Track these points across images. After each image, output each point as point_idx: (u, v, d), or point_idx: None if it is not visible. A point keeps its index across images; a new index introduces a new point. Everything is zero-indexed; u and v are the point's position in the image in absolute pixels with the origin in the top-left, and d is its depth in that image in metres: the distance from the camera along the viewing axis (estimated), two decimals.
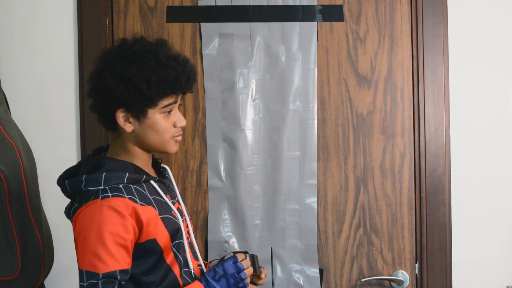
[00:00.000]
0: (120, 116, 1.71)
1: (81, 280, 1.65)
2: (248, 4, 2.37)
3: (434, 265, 2.35)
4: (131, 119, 1.71)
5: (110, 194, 1.68)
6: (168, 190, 1.83)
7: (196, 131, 2.38)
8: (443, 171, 2.35)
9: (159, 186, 1.79)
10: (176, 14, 2.39)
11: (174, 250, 1.75)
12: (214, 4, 2.37)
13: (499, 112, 2.38)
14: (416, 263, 2.38)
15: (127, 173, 1.72)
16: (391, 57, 2.39)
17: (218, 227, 2.37)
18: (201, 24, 2.38)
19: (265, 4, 2.37)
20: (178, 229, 1.76)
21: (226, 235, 2.38)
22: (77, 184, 1.73)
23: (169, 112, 1.73)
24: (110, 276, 1.64)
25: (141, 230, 1.70)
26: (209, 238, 2.36)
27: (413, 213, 2.38)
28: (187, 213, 1.89)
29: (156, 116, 1.72)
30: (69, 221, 2.36)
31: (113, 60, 1.69)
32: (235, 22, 2.37)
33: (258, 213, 2.38)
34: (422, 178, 2.36)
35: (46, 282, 2.29)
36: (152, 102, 1.69)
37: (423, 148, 2.36)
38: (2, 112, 2.16)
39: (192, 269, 1.78)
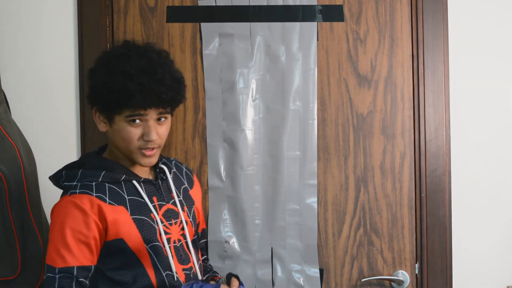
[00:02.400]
0: (96, 115, 1.77)
1: (43, 273, 1.73)
2: (248, 4, 2.37)
3: (434, 265, 2.35)
4: (104, 120, 1.75)
5: (77, 191, 1.72)
6: (159, 191, 1.82)
7: (196, 131, 2.38)
8: (443, 171, 2.35)
9: (145, 187, 1.79)
10: (176, 14, 2.39)
11: (150, 252, 1.74)
12: (214, 4, 2.37)
13: (499, 112, 2.38)
14: (416, 263, 2.38)
15: (104, 171, 1.74)
16: (391, 57, 2.39)
17: (218, 227, 2.37)
18: (201, 24, 2.38)
19: (265, 4, 2.37)
20: (154, 232, 1.75)
21: (226, 235, 2.38)
22: (58, 179, 1.79)
23: (137, 122, 1.71)
24: (66, 272, 1.67)
25: (106, 228, 1.71)
26: (209, 238, 2.36)
27: (413, 213, 2.38)
28: (191, 217, 1.87)
29: (121, 123, 1.72)
30: None
31: (97, 59, 1.77)
32: (235, 22, 2.37)
33: (258, 213, 2.38)
34: (422, 178, 2.36)
35: None
36: (112, 109, 1.70)
37: (423, 148, 2.36)
38: (2, 112, 2.16)
39: (174, 273, 1.76)
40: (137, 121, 1.71)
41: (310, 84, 2.38)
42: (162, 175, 1.86)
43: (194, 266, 1.83)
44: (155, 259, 1.74)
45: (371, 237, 2.38)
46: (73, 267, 1.67)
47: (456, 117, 2.37)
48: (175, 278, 1.76)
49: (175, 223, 1.81)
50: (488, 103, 2.38)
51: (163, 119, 1.75)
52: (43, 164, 2.30)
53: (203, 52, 2.37)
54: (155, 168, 1.87)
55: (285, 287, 2.37)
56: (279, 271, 2.37)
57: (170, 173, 1.89)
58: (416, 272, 2.37)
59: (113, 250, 1.72)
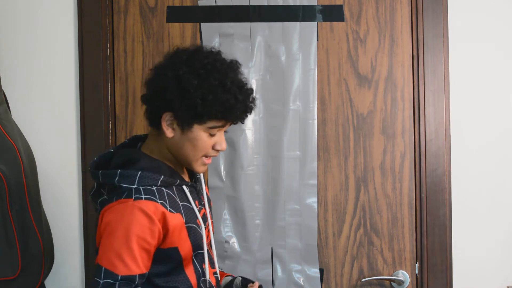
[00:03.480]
0: (166, 119, 1.69)
1: (97, 275, 1.63)
2: (248, 4, 2.37)
3: (435, 265, 2.35)
4: (175, 126, 1.69)
5: (143, 196, 1.66)
6: (198, 195, 1.81)
7: None
8: (444, 171, 2.35)
9: (189, 191, 1.77)
10: (176, 14, 2.39)
11: (194, 260, 1.74)
12: (214, 4, 2.37)
13: (499, 112, 2.38)
14: (416, 263, 2.38)
15: (162, 176, 1.70)
16: (392, 57, 2.39)
17: (218, 227, 2.37)
18: (202, 24, 2.38)
19: (266, 4, 2.37)
20: (201, 239, 1.74)
21: (227, 235, 2.38)
22: (110, 177, 1.70)
23: (216, 133, 1.71)
24: (128, 279, 1.62)
25: (166, 236, 1.68)
26: None
27: (414, 213, 2.38)
28: (211, 218, 1.87)
29: (200, 132, 1.69)
30: (69, 221, 2.37)
31: (181, 63, 1.67)
32: (235, 22, 2.37)
33: (258, 213, 2.38)
34: (422, 178, 2.36)
35: (46, 282, 2.29)
36: (200, 119, 1.67)
37: (423, 148, 2.36)
38: (2, 112, 2.16)
39: (208, 278, 1.76)
40: (216, 133, 1.71)
41: (310, 84, 2.38)
42: (197, 177, 1.85)
43: (217, 269, 1.84)
44: (197, 266, 1.74)
45: (371, 237, 2.38)
46: (135, 276, 1.63)
47: (456, 117, 2.37)
48: (207, 283, 1.75)
49: (206, 226, 1.80)
50: (488, 103, 2.38)
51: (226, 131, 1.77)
52: (43, 164, 2.30)
53: None
54: (188, 171, 1.84)
55: (285, 287, 2.37)
56: (279, 271, 2.37)
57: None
58: (416, 272, 2.37)
59: (163, 257, 1.70)
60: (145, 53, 2.38)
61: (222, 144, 1.72)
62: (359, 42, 2.39)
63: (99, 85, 2.35)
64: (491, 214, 2.38)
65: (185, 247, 1.71)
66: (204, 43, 2.37)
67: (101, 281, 1.61)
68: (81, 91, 2.35)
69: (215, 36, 2.38)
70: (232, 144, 2.37)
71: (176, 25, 2.39)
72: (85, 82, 2.35)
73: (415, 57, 2.37)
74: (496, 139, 2.38)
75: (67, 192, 2.34)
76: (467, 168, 2.38)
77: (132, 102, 2.38)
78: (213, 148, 1.72)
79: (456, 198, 2.37)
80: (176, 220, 1.68)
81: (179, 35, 2.39)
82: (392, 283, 2.39)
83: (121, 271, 1.61)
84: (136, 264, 1.62)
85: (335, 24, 2.39)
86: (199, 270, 1.74)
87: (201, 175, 1.86)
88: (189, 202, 1.74)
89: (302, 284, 2.36)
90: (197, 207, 1.76)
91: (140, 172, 1.68)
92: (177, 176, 1.75)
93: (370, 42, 2.39)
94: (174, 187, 1.73)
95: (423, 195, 2.36)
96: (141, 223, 1.63)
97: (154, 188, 1.68)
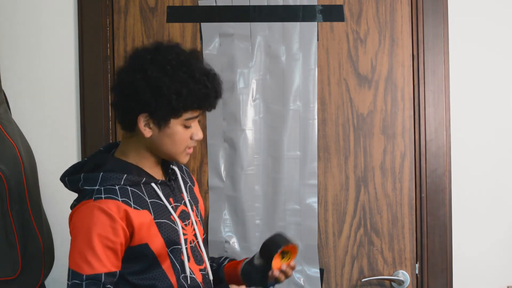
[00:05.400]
0: (142, 120, 1.70)
1: (68, 278, 1.68)
2: (248, 4, 2.37)
3: (435, 265, 2.35)
4: (151, 125, 1.71)
5: (103, 196, 1.68)
6: (173, 192, 1.81)
7: None
8: (444, 171, 2.36)
9: (162, 189, 1.78)
10: (176, 14, 2.39)
11: (171, 255, 1.74)
12: (214, 4, 2.37)
13: (499, 112, 2.38)
14: (416, 263, 2.38)
15: (125, 175, 1.71)
16: (392, 57, 2.39)
17: (218, 227, 2.37)
18: (202, 24, 2.38)
19: (266, 4, 2.37)
20: (176, 235, 1.75)
21: (227, 235, 2.38)
22: (75, 182, 1.75)
23: (191, 125, 1.74)
24: (94, 279, 1.65)
25: (133, 234, 1.69)
26: (209, 238, 2.36)
27: (414, 213, 2.38)
28: (199, 215, 1.87)
29: (177, 127, 1.71)
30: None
31: (146, 64, 1.68)
32: (235, 22, 2.37)
33: (258, 213, 2.38)
34: (422, 178, 2.36)
35: (46, 282, 2.29)
36: (176, 114, 1.69)
37: (423, 148, 2.36)
38: (2, 112, 2.16)
39: (189, 274, 1.76)
40: (191, 124, 1.73)
41: (311, 84, 2.38)
42: (173, 176, 1.85)
43: (207, 266, 1.83)
44: (175, 261, 1.74)
45: (371, 237, 2.38)
46: (101, 274, 1.65)
47: (456, 117, 2.37)
48: (188, 279, 1.75)
49: (188, 223, 1.80)
50: (488, 103, 2.38)
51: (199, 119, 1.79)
52: (43, 164, 2.30)
53: (204, 52, 2.37)
54: (165, 169, 1.86)
55: (285, 287, 2.37)
56: None
57: (180, 173, 1.88)
58: (417, 272, 2.37)
59: (136, 255, 1.71)
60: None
61: (199, 134, 1.75)
62: (359, 42, 2.39)
63: (99, 85, 2.35)
64: (491, 214, 2.38)
65: (156, 243, 1.71)
66: (204, 43, 2.37)
67: (70, 283, 1.66)
68: (81, 91, 2.35)
69: (215, 36, 2.38)
70: (232, 144, 2.37)
71: (176, 25, 2.39)
72: (85, 82, 2.35)
73: (415, 57, 2.37)
74: (496, 139, 2.38)
75: (67, 192, 2.33)
76: (467, 168, 2.38)
77: None
78: (191, 138, 1.75)
79: (456, 198, 2.37)
80: (142, 217, 1.70)
81: (179, 35, 2.39)
82: (392, 283, 2.39)
83: (86, 270, 1.65)
84: (100, 263, 1.65)
85: (335, 24, 2.39)
86: (177, 266, 1.74)
87: (179, 174, 1.86)
88: (160, 199, 1.75)
89: (302, 284, 2.36)
90: (171, 204, 1.77)
91: (102, 173, 1.71)
92: (144, 174, 1.76)
93: (370, 42, 2.39)
94: (142, 185, 1.74)
95: (423, 195, 2.36)
96: (102, 222, 1.66)
97: (117, 187, 1.70)
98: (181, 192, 1.84)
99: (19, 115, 2.30)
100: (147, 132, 1.71)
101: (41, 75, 2.36)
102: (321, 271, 2.37)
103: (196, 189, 1.94)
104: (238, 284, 1.83)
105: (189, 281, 1.75)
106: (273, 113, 2.39)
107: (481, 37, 2.38)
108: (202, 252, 1.83)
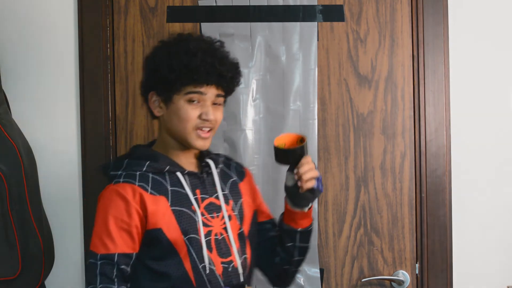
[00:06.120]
0: (152, 100, 1.81)
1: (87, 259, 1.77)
2: (248, 4, 2.37)
3: (435, 265, 2.35)
4: (161, 104, 1.80)
5: (121, 180, 1.77)
6: (203, 184, 1.84)
7: None
8: (444, 171, 2.36)
9: (189, 179, 1.81)
10: (176, 14, 2.39)
11: (188, 244, 1.76)
12: (214, 4, 2.38)
13: (499, 112, 2.38)
14: (416, 263, 2.38)
15: (148, 162, 1.78)
16: (392, 57, 2.39)
17: None
18: (202, 24, 2.38)
19: (266, 4, 2.37)
20: (194, 224, 1.77)
21: None
22: (106, 168, 1.84)
23: (195, 102, 1.77)
24: (107, 258, 1.71)
25: (147, 217, 1.75)
26: None
27: (414, 213, 2.38)
28: (237, 210, 1.87)
29: (180, 102, 1.77)
30: (69, 221, 2.38)
31: (156, 48, 1.83)
32: (235, 22, 2.37)
33: None
34: (422, 178, 2.36)
35: (46, 282, 2.29)
36: (175, 87, 1.76)
37: (423, 148, 2.36)
38: (2, 112, 2.16)
39: (208, 265, 1.77)
40: (196, 101, 1.77)
41: (311, 84, 2.38)
42: (208, 169, 1.87)
43: (236, 260, 1.83)
44: (192, 251, 1.77)
45: (371, 237, 2.38)
46: (114, 254, 1.72)
47: (456, 117, 2.37)
48: (207, 270, 1.77)
49: (217, 216, 1.82)
50: (488, 103, 2.38)
51: (218, 103, 1.81)
52: (43, 164, 2.30)
53: None
54: (201, 162, 1.88)
55: None
56: None
57: (216, 167, 1.89)
58: (417, 272, 2.37)
59: (151, 239, 1.76)
60: (145, 53, 2.37)
61: (208, 113, 1.77)
62: (359, 42, 2.39)
63: (99, 85, 2.35)
64: (491, 214, 2.38)
65: (171, 229, 1.75)
66: None
67: (87, 262, 1.75)
68: (81, 91, 2.35)
69: (215, 36, 2.37)
70: (232, 144, 2.37)
71: (177, 25, 2.39)
72: (85, 82, 2.34)
73: (415, 57, 2.37)
74: (496, 139, 2.38)
75: (67, 192, 2.34)
76: (467, 168, 2.38)
77: (132, 102, 2.38)
78: (199, 118, 1.77)
79: (456, 198, 2.37)
80: (157, 202, 1.75)
81: None
82: (392, 283, 2.39)
83: (101, 250, 1.72)
84: (114, 243, 1.72)
85: (335, 24, 2.39)
86: (194, 256, 1.77)
87: (214, 169, 1.87)
88: (183, 188, 1.79)
89: (302, 284, 2.36)
90: (196, 195, 1.80)
91: (127, 160, 1.81)
92: (169, 163, 1.80)
93: (370, 42, 2.39)
94: (167, 174, 1.79)
95: (423, 195, 2.36)
96: (117, 205, 1.74)
97: (138, 173, 1.77)
98: (215, 186, 1.85)
99: (19, 115, 2.30)
100: (157, 111, 1.81)
101: (41, 75, 2.36)
102: (321, 271, 2.37)
103: (243, 185, 1.94)
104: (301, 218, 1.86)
105: (207, 270, 1.77)
106: (273, 113, 2.39)
107: (481, 37, 2.38)
108: (231, 246, 1.83)
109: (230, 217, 1.84)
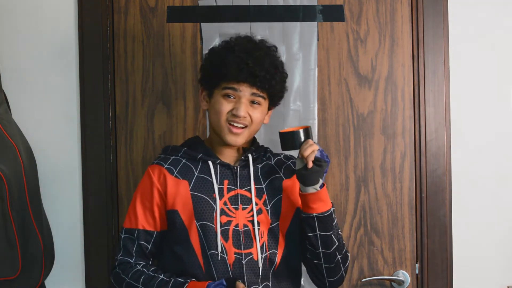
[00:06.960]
0: (202, 95, 1.93)
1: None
2: (248, 4, 2.37)
3: (435, 265, 2.35)
4: (206, 98, 1.91)
5: (156, 161, 1.92)
6: (233, 176, 1.88)
7: (196, 131, 2.38)
8: (444, 171, 2.36)
9: (220, 169, 1.87)
10: (176, 14, 2.39)
11: (199, 229, 1.82)
12: (214, 4, 2.37)
13: (499, 112, 2.38)
14: (416, 263, 2.38)
15: (185, 148, 1.90)
16: (392, 57, 2.39)
17: None
18: (202, 24, 2.38)
19: (266, 4, 2.37)
20: (211, 211, 1.82)
21: None
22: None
23: (231, 97, 1.83)
24: (129, 233, 1.87)
25: (166, 198, 1.85)
26: None
27: (414, 213, 2.38)
28: (271, 205, 1.87)
29: (218, 97, 1.86)
30: (69, 221, 2.38)
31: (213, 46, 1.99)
32: (235, 22, 2.37)
33: None
34: (422, 178, 2.36)
35: (46, 282, 2.29)
36: (214, 82, 1.86)
37: (423, 148, 2.36)
38: (2, 112, 2.16)
39: (220, 252, 1.81)
40: (231, 96, 1.84)
41: (311, 84, 2.38)
42: (244, 163, 1.91)
43: (256, 253, 1.84)
44: (202, 237, 1.82)
45: (371, 237, 2.38)
46: (135, 229, 1.86)
47: (456, 117, 2.37)
48: (219, 257, 1.81)
49: (244, 208, 1.85)
50: (489, 103, 2.38)
51: (256, 103, 1.86)
52: (43, 164, 2.30)
53: (204, 52, 2.37)
54: (243, 157, 1.92)
55: None
56: None
57: (256, 162, 1.92)
58: (417, 272, 2.37)
59: (169, 220, 1.85)
60: (145, 53, 2.38)
61: (238, 109, 1.82)
62: (359, 42, 2.39)
63: (99, 85, 2.35)
64: (491, 214, 2.38)
65: (186, 212, 1.83)
66: (204, 43, 2.37)
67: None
68: (81, 91, 2.35)
69: (215, 36, 2.38)
70: None
71: (177, 25, 2.39)
72: (85, 82, 2.34)
73: (415, 57, 2.38)
74: (496, 139, 2.38)
75: (67, 192, 2.34)
76: (467, 168, 2.38)
77: (132, 102, 2.38)
78: (231, 112, 1.84)
79: (456, 198, 2.37)
80: (179, 185, 1.85)
81: (180, 35, 2.39)
82: (393, 283, 2.39)
83: (126, 224, 1.89)
84: (137, 219, 1.86)
85: (335, 24, 2.39)
86: (203, 241, 1.81)
87: (252, 164, 1.90)
88: (210, 176, 1.86)
89: (302, 284, 2.36)
90: (222, 185, 1.85)
91: (171, 146, 1.94)
92: (204, 152, 1.89)
93: (370, 42, 2.39)
94: (201, 162, 1.88)
95: (423, 195, 2.36)
96: (145, 184, 1.89)
97: (172, 157, 1.90)
98: (249, 178, 1.88)
99: (19, 115, 2.30)
100: (204, 105, 1.92)
101: (41, 75, 2.35)
102: None
103: (289, 181, 1.93)
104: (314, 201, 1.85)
105: (219, 257, 1.81)
106: (273, 113, 2.38)
107: (481, 37, 2.38)
108: (255, 239, 1.84)
109: (260, 211, 1.86)
